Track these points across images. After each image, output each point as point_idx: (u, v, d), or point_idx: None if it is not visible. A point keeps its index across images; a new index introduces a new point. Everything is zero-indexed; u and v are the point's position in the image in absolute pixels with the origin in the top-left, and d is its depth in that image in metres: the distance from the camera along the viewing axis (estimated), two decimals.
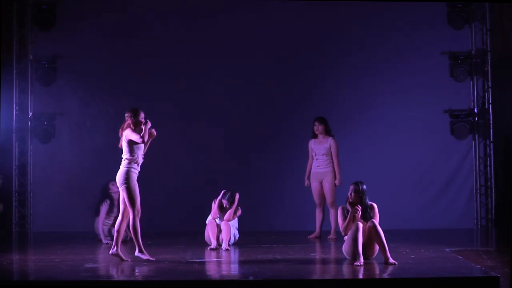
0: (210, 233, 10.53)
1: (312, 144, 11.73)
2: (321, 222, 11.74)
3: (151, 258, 9.21)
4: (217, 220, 10.65)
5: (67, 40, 13.03)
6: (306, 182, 11.81)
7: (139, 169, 9.26)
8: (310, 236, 11.69)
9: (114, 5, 13.19)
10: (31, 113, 13.05)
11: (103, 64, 13.05)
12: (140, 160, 9.25)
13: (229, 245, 10.44)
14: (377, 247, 9.02)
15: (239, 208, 10.76)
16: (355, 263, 8.71)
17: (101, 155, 12.58)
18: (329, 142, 11.64)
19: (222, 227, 10.57)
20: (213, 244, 10.40)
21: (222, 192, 10.77)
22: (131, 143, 9.17)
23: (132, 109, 9.29)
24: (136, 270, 8.64)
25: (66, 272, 8.49)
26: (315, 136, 11.74)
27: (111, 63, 13.07)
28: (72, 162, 12.96)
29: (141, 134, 9.11)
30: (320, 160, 11.64)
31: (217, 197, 10.75)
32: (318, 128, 11.68)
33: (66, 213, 12.83)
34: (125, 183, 9.14)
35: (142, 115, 9.26)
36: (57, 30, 13.03)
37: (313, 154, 11.70)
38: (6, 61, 12.72)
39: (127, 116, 9.25)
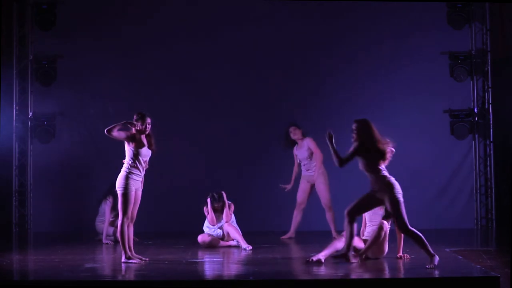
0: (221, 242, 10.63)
1: (295, 150, 11.73)
2: (298, 224, 11.70)
3: (143, 259, 9.15)
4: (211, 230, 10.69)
5: (67, 40, 13.04)
6: (287, 187, 11.74)
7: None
8: (283, 237, 11.62)
9: (114, 5, 13.20)
10: (31, 113, 13.05)
11: (103, 64, 13.05)
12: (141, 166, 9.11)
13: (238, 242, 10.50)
14: (385, 247, 9.05)
15: (231, 203, 10.78)
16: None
17: (101, 155, 12.59)
18: (305, 142, 11.58)
19: (227, 229, 10.59)
20: (247, 246, 10.37)
21: (208, 199, 10.75)
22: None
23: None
24: (136, 270, 8.63)
25: (66, 272, 8.48)
26: (295, 142, 11.70)
27: (111, 63, 13.07)
28: (72, 162, 12.96)
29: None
30: (307, 164, 11.62)
31: (205, 204, 10.76)
32: (295, 133, 11.65)
33: (66, 213, 12.84)
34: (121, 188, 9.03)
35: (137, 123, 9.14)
36: (57, 30, 13.04)
37: (298, 161, 11.69)
38: (6, 61, 12.72)
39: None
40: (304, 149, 11.64)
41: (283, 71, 13.12)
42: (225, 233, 10.64)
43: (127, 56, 13.05)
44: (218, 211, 10.71)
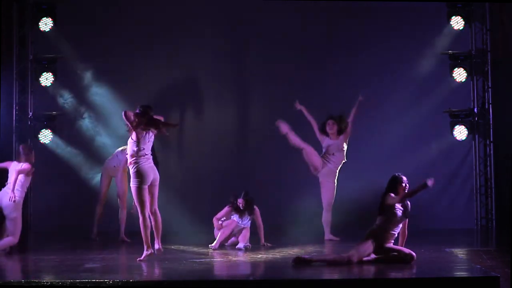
0: (221, 233, 10.53)
1: (329, 140, 11.45)
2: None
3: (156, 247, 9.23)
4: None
5: (67, 40, 13.04)
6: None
7: None
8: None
9: (114, 5, 13.20)
10: (31, 113, 13.05)
11: (103, 64, 13.05)
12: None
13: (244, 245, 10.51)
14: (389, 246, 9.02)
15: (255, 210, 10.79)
16: None
17: (101, 155, 12.58)
18: (341, 140, 11.41)
19: (243, 231, 10.57)
20: (215, 246, 10.38)
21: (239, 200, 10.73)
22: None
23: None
24: (137, 270, 8.64)
25: (66, 272, 8.49)
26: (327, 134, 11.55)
27: (111, 63, 13.07)
28: (72, 162, 12.96)
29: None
30: (337, 156, 11.41)
31: (229, 206, 10.76)
32: (332, 127, 11.47)
33: (66, 213, 12.84)
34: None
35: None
36: (57, 30, 13.04)
37: (327, 150, 11.44)
38: (6, 61, 12.72)
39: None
40: (340, 144, 11.41)
41: (284, 72, 13.12)
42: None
43: (127, 55, 13.04)
44: (239, 212, 10.67)
